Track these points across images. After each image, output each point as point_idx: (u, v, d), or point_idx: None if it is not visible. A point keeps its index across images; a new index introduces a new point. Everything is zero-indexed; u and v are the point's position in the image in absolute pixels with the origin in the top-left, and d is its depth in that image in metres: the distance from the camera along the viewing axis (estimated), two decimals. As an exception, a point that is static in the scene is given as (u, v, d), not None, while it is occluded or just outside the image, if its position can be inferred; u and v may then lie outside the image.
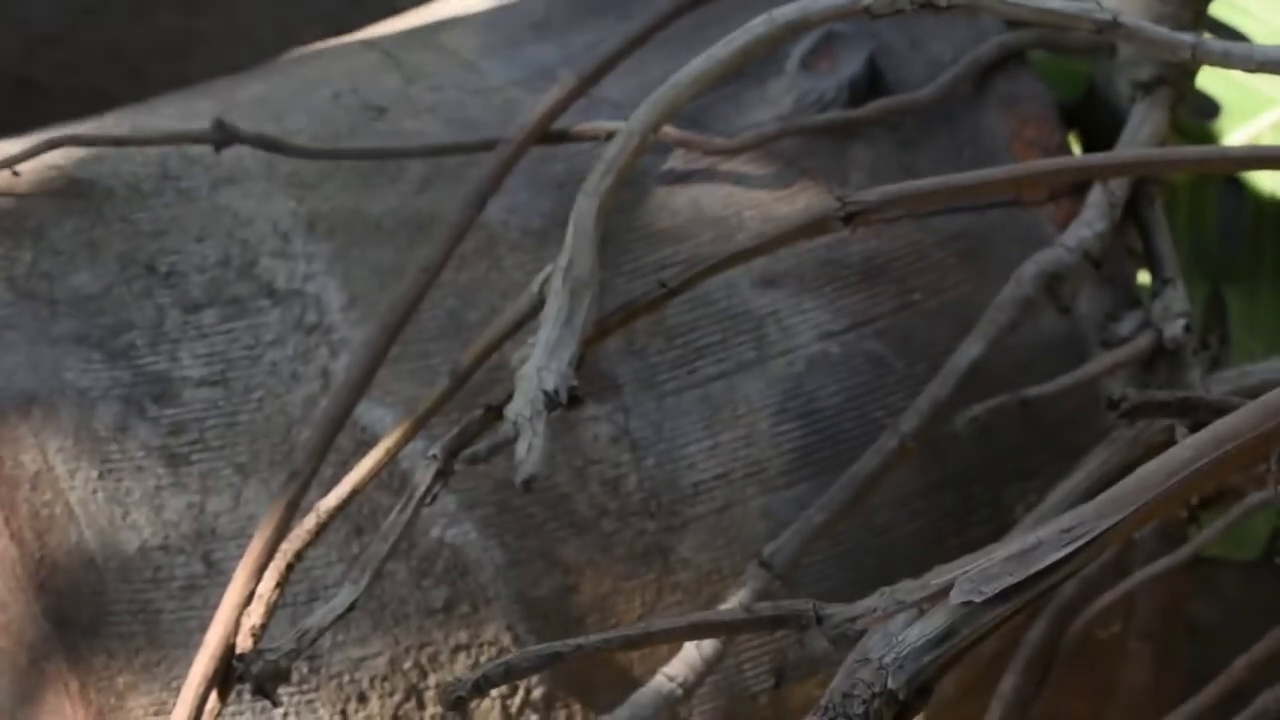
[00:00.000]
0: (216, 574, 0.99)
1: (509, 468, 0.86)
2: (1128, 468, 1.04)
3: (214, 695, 0.92)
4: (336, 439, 0.99)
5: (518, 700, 1.04)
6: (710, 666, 0.96)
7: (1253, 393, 1.05)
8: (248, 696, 0.97)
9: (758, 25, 0.98)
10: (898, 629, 0.79)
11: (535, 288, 0.94)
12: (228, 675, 0.92)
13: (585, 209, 0.95)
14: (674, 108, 0.99)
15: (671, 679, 0.95)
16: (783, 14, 0.98)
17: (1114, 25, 1.00)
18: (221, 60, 1.93)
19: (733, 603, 0.98)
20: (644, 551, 1.06)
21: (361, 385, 0.98)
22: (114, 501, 1.00)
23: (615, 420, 1.06)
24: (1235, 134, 1.57)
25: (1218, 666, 1.10)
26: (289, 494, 0.94)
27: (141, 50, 2.04)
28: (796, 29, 0.99)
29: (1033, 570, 0.78)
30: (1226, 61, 1.02)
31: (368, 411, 1.02)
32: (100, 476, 1.00)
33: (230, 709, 0.98)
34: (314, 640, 0.88)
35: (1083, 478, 1.05)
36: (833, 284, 1.10)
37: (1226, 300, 1.55)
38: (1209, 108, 1.58)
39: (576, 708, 1.05)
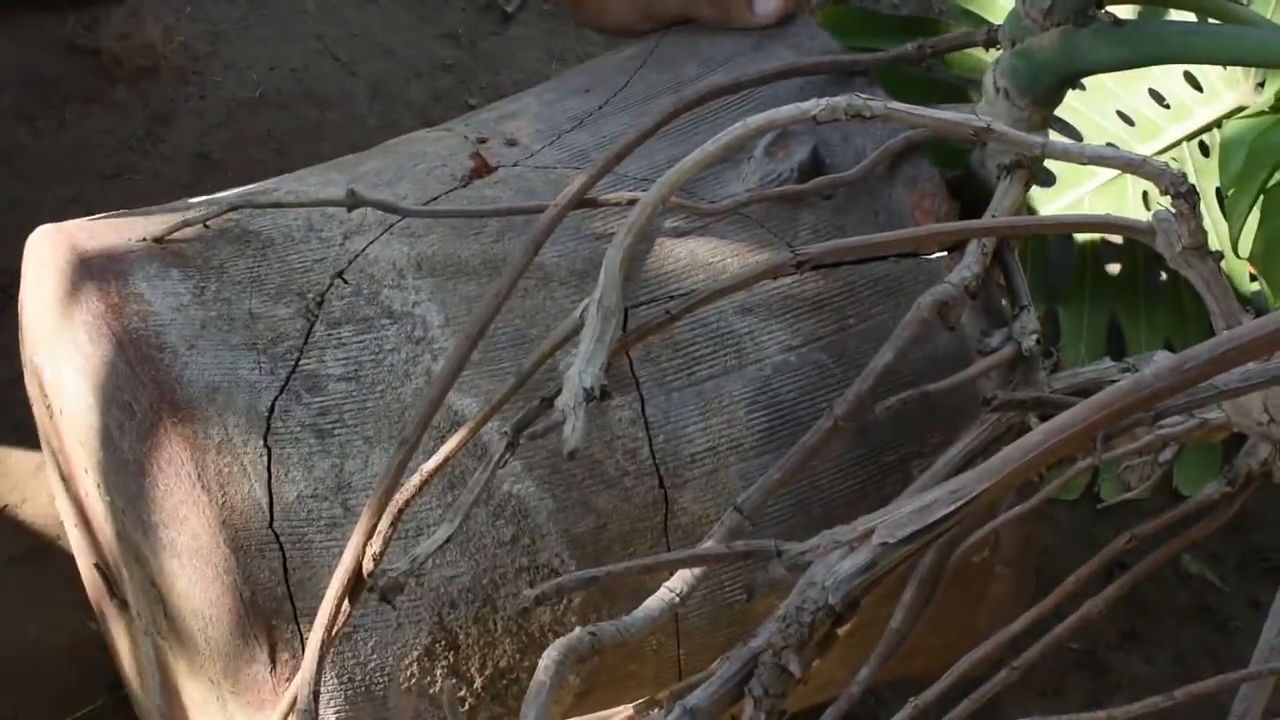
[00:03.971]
0: (351, 516, 0.98)
1: (559, 442, 0.86)
2: (992, 442, 1.04)
3: (346, 601, 0.92)
4: (436, 419, 0.98)
5: (563, 607, 1.04)
6: (699, 581, 0.94)
7: (1083, 390, 1.06)
8: (372, 603, 0.97)
9: (736, 129, 0.97)
10: (835, 561, 0.80)
11: (577, 314, 0.94)
12: (357, 587, 0.92)
13: (613, 258, 0.95)
14: (677, 186, 0.98)
15: (671, 590, 0.93)
16: (754, 121, 0.98)
17: (987, 130, 1.00)
18: (344, 141, 1.93)
19: (716, 537, 0.96)
20: (654, 502, 1.06)
21: (451, 378, 0.96)
22: (277, 463, 1.00)
23: (635, 408, 1.05)
24: (1066, 196, 1.58)
25: (1055, 574, 1.10)
26: (400, 455, 0.94)
27: (286, 133, 2.03)
28: (764, 132, 0.99)
29: (930, 520, 0.79)
30: (1066, 156, 1.03)
31: (458, 400, 1.02)
32: (266, 445, 1.00)
33: (358, 613, 0.98)
34: (422, 563, 0.87)
35: (960, 449, 1.03)
36: (792, 312, 1.10)
37: (1059, 316, 1.55)
38: (1048, 178, 1.59)
39: (605, 612, 1.05)
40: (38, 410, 1.23)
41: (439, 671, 1.02)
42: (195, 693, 1.07)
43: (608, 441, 1.04)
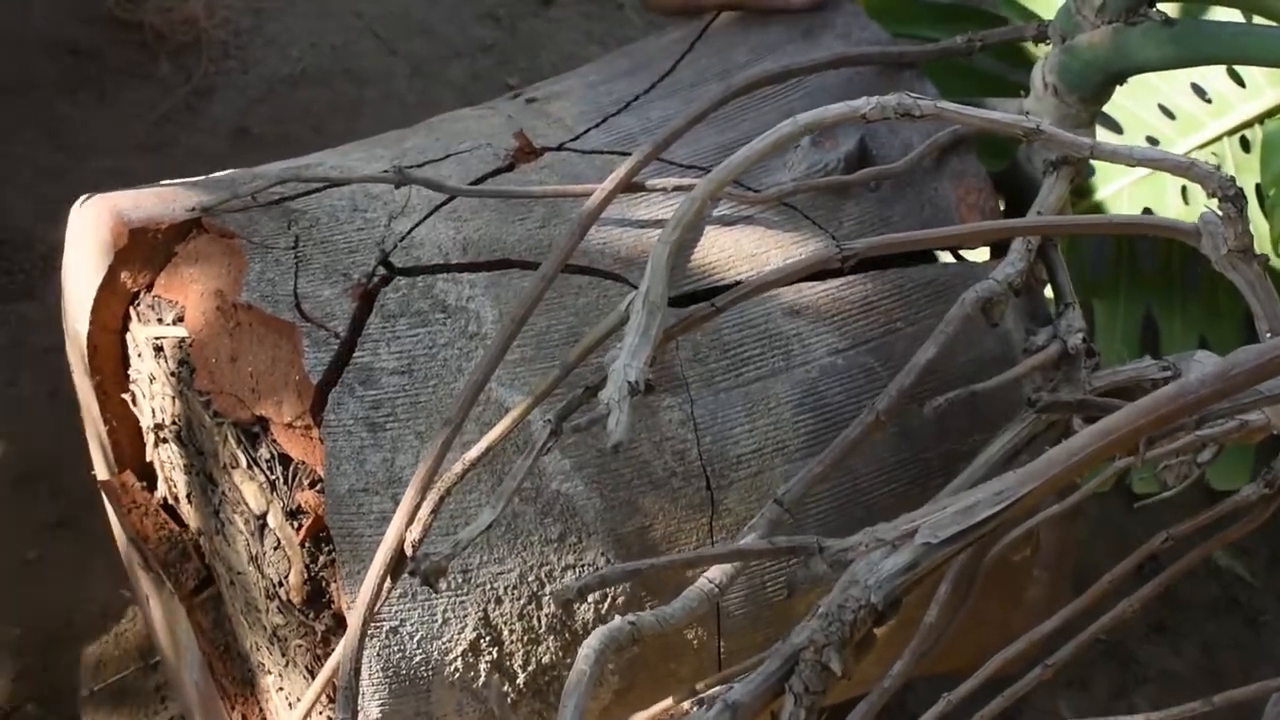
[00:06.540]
0: (401, 510, 0.98)
1: (605, 438, 0.84)
2: (1032, 439, 1.04)
3: (386, 582, 0.91)
4: (486, 415, 0.98)
5: (607, 604, 1.04)
6: (738, 575, 0.94)
7: (1123, 389, 1.05)
8: (418, 597, 0.98)
9: (785, 126, 0.97)
10: (877, 559, 0.80)
11: (623, 307, 0.93)
12: (397, 569, 0.91)
13: (660, 252, 0.94)
14: (725, 183, 0.97)
15: (711, 581, 0.93)
16: (803, 118, 0.97)
17: (1037, 131, 0.99)
18: (383, 119, 1.93)
19: (756, 530, 0.95)
20: (700, 503, 1.05)
21: (497, 358, 0.95)
22: (330, 455, 0.98)
23: (684, 409, 1.05)
24: (1106, 188, 1.57)
25: (1087, 567, 1.09)
26: (443, 436, 0.92)
27: (325, 110, 2.03)
28: (812, 129, 0.98)
29: (974, 521, 0.79)
30: (1115, 158, 1.02)
31: (509, 396, 1.01)
32: (320, 438, 0.99)
33: (405, 606, 0.99)
34: (463, 549, 0.86)
35: (999, 447, 1.03)
36: (840, 314, 1.09)
37: (1094, 311, 1.54)
38: (1087, 171, 1.58)
39: (648, 608, 1.01)
40: (78, 378, 1.23)
41: (483, 666, 1.01)
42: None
43: (657, 442, 1.04)
